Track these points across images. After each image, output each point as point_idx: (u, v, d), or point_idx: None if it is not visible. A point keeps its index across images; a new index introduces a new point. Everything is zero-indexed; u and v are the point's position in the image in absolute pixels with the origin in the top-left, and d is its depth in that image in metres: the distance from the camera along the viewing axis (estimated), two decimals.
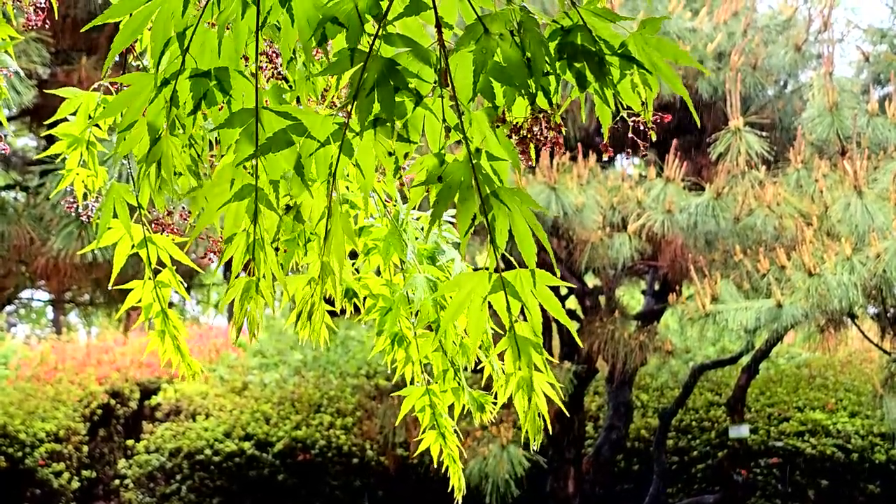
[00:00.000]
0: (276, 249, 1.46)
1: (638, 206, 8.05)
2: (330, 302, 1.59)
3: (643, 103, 1.40)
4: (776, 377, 11.42)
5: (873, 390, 7.89)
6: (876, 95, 8.95)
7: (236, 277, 1.43)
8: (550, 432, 1.53)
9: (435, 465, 2.09)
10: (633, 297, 12.95)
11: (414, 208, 1.64)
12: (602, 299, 9.53)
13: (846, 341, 8.48)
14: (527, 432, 1.41)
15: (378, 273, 1.98)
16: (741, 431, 9.36)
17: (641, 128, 1.42)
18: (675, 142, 8.19)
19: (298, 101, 1.64)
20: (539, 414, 1.41)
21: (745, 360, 10.05)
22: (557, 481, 9.43)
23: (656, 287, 10.12)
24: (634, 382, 10.23)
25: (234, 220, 1.43)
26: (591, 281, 9.99)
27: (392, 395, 9.91)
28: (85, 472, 11.29)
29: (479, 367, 1.98)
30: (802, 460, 10.28)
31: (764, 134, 8.24)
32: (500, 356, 1.95)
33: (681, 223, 7.81)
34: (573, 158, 8.36)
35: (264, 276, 1.41)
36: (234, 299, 1.44)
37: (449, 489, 2.06)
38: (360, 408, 11.13)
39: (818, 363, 11.63)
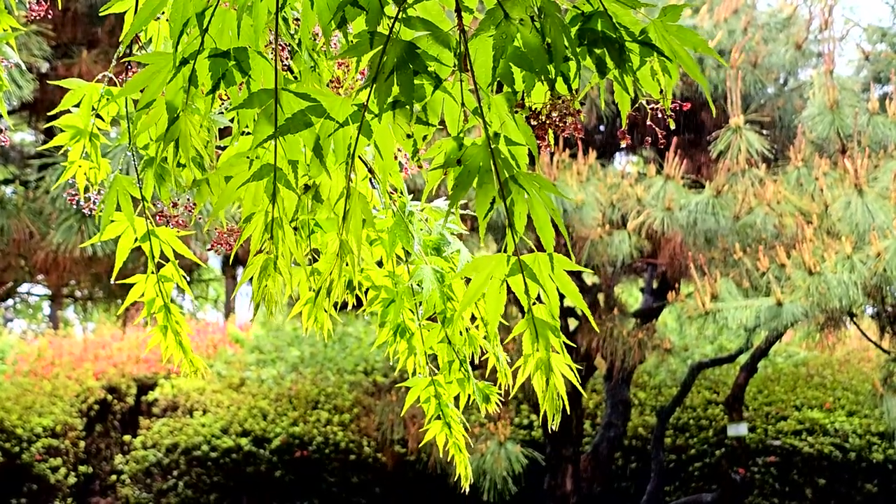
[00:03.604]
0: (295, 229, 1.46)
1: (638, 204, 8.05)
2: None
3: (662, 91, 1.40)
4: (774, 376, 11.43)
5: (871, 389, 7.89)
6: (876, 94, 8.95)
7: (254, 256, 1.42)
8: (568, 411, 1.52)
9: (435, 459, 2.07)
10: (631, 295, 12.95)
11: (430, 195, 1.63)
12: (601, 297, 9.52)
13: (844, 340, 8.49)
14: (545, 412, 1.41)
15: (380, 264, 1.96)
16: (739, 430, 9.36)
17: (660, 116, 1.42)
18: (675, 139, 8.19)
19: None
20: (557, 394, 1.40)
21: (743, 358, 10.05)
22: (555, 479, 9.43)
23: (655, 285, 10.12)
24: (633, 380, 10.22)
25: (253, 199, 1.42)
26: (589, 278, 9.99)
27: (390, 391, 9.93)
28: (82, 468, 11.28)
29: (482, 359, 1.97)
30: (800, 459, 10.29)
31: (764, 132, 8.24)
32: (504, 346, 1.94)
33: (680, 221, 7.80)
34: (573, 155, 8.35)
35: (282, 255, 1.40)
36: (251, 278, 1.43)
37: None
38: (357, 404, 11.13)
39: (816, 362, 11.64)
